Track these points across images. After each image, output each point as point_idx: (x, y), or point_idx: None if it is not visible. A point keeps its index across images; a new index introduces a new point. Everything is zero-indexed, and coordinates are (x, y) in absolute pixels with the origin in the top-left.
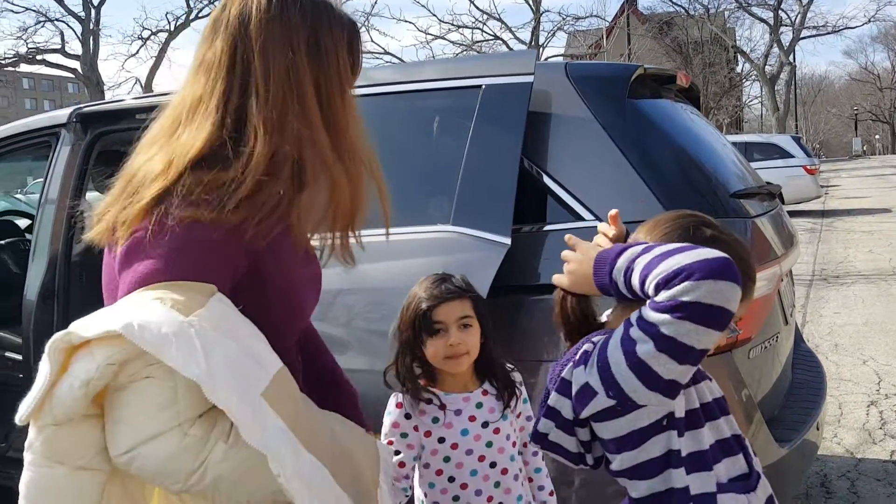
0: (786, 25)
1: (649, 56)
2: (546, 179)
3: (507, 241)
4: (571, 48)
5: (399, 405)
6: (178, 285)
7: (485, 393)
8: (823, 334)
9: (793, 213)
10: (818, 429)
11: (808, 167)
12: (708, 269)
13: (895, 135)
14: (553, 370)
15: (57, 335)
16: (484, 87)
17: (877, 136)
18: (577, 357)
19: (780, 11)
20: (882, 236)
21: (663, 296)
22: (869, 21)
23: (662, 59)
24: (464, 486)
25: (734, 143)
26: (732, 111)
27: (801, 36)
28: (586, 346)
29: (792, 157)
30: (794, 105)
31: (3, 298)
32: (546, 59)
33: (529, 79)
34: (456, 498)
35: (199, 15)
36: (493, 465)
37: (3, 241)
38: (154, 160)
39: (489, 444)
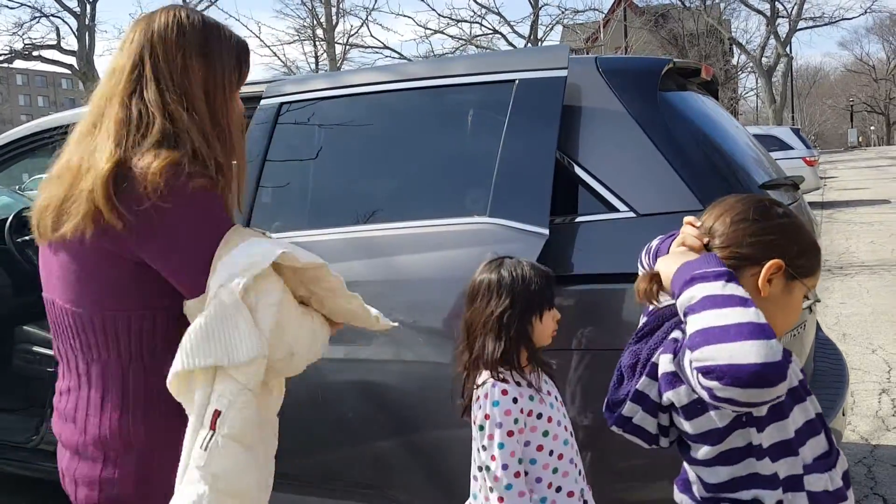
0: (782, 17)
1: (645, 49)
2: (580, 171)
3: (546, 231)
4: (567, 41)
5: (505, 392)
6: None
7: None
8: (831, 324)
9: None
10: (843, 415)
11: (808, 159)
12: (735, 377)
13: (890, 126)
14: (631, 352)
15: (262, 261)
16: (518, 81)
17: (872, 128)
18: (666, 344)
19: (776, 3)
20: (883, 227)
21: (703, 381)
22: (866, 12)
23: (658, 51)
24: (560, 457)
25: None
26: (728, 103)
27: (798, 27)
28: (675, 335)
29: (791, 148)
30: (792, 97)
31: (29, 293)
32: None
33: (563, 73)
34: (555, 470)
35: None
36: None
37: (26, 237)
38: (96, 155)
39: (564, 416)
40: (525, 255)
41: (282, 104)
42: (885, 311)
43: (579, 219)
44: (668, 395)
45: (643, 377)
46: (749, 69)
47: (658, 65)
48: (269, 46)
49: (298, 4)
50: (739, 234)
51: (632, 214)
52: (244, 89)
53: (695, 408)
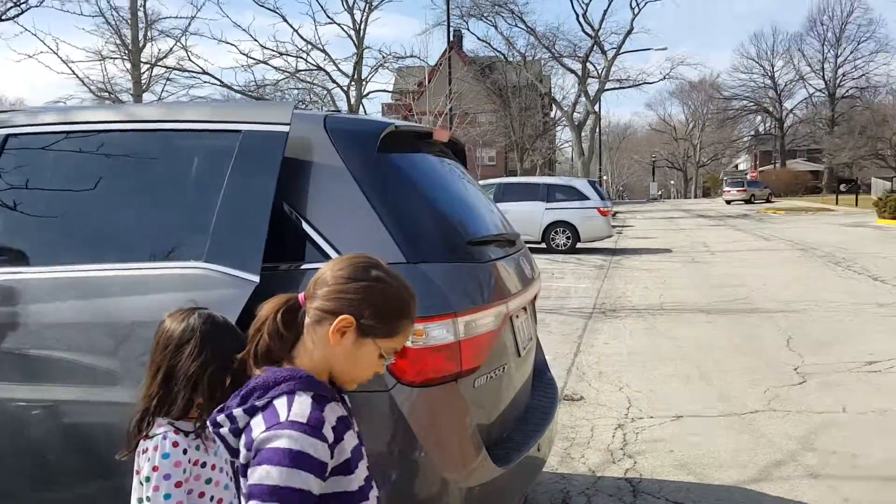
0: (593, 77)
1: (471, 96)
2: (302, 222)
3: (256, 278)
4: (399, 86)
5: (176, 444)
6: None
7: None
8: (591, 363)
9: (588, 251)
10: (539, 449)
11: (602, 209)
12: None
13: (687, 181)
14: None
15: None
16: (244, 132)
17: (672, 182)
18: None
19: (588, 64)
20: (659, 274)
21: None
22: (664, 78)
23: (483, 100)
24: (219, 502)
25: (539, 185)
26: (546, 153)
27: (606, 88)
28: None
29: (588, 199)
30: (599, 150)
31: None
32: (368, 93)
33: (285, 128)
34: None
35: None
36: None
37: None
38: None
39: (226, 462)
40: (234, 300)
41: (8, 136)
42: (640, 351)
43: (303, 266)
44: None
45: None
46: (563, 123)
47: (380, 127)
48: (66, 63)
49: (102, 22)
50: (333, 288)
51: None
52: None
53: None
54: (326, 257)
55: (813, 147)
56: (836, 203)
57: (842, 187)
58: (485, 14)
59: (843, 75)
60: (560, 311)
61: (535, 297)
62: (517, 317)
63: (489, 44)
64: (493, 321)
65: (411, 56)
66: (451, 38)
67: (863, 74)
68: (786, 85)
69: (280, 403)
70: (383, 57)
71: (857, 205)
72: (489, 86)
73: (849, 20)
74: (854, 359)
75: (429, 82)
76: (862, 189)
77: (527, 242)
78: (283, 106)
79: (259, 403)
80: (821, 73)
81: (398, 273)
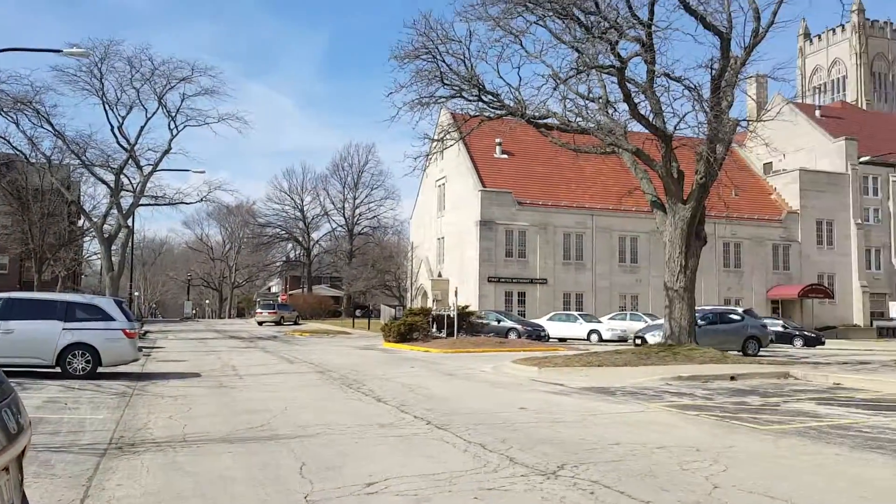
0: (127, 191)
1: None
2: None
3: None
4: None
5: None
6: None
7: None
8: None
9: (110, 376)
10: None
11: (128, 331)
12: None
13: (222, 300)
14: None
15: None
16: None
17: (207, 301)
18: None
19: (122, 177)
20: (186, 401)
21: None
22: (202, 200)
23: None
24: None
25: (57, 302)
26: (71, 264)
27: (141, 203)
28: None
29: (112, 319)
30: (132, 266)
31: None
32: None
33: None
34: None
35: None
36: None
37: None
38: None
39: None
40: None
41: None
42: (156, 491)
43: None
44: None
45: None
46: (93, 234)
47: None
48: None
49: None
50: None
51: None
52: None
53: None
54: None
55: (335, 275)
56: (353, 326)
57: (357, 312)
58: (4, 109)
59: (360, 215)
60: (70, 448)
61: (22, 453)
62: None
63: (8, 140)
64: None
65: None
66: None
67: (375, 216)
68: (313, 218)
69: None
70: None
71: (369, 328)
72: (5, 185)
73: (364, 169)
74: (355, 482)
75: None
76: (374, 314)
77: (37, 367)
78: None
79: None
80: (342, 211)
81: None
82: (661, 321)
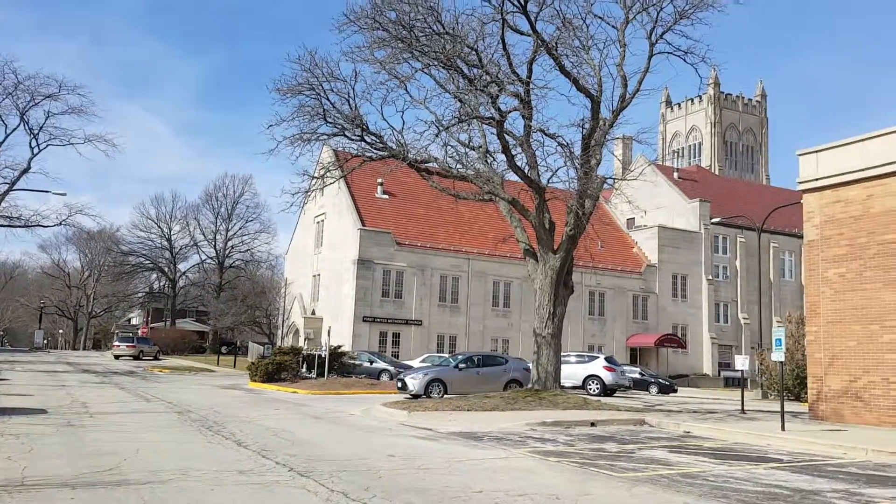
0: None
1: None
2: None
3: None
4: None
5: None
6: None
7: None
8: None
9: None
10: None
11: None
12: None
13: (77, 331)
14: None
15: None
16: None
17: (61, 331)
18: None
19: None
20: (27, 440)
21: None
22: (61, 223)
23: None
24: None
25: None
26: None
27: None
28: None
29: None
30: None
31: None
32: None
33: None
34: None
35: None
36: None
37: None
38: None
39: None
40: None
41: None
42: None
43: None
44: None
45: None
46: None
47: None
48: None
49: None
50: None
51: None
52: None
53: None
54: None
55: (202, 309)
56: (218, 364)
57: (224, 349)
58: None
59: (232, 247)
60: None
61: None
62: None
63: None
64: None
65: None
66: None
67: (248, 249)
68: (181, 248)
69: None
70: None
71: (235, 366)
72: None
73: (240, 200)
74: None
75: None
76: (241, 351)
77: None
78: None
79: None
80: (213, 243)
81: None
82: (422, 364)
